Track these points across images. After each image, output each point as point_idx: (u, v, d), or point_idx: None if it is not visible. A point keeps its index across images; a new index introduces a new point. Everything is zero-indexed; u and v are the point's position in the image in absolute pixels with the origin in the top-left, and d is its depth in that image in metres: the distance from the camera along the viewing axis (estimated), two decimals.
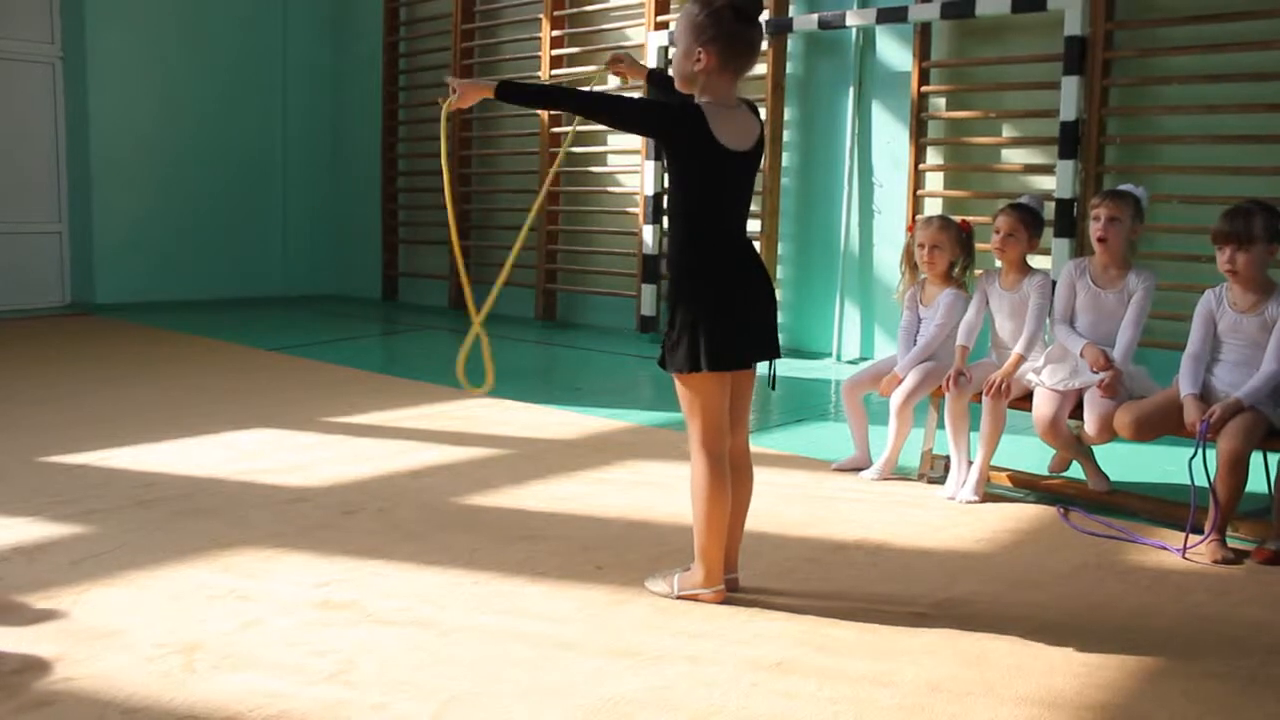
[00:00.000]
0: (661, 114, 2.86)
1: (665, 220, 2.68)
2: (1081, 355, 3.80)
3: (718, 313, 2.79)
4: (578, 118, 3.04)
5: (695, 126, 2.76)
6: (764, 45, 7.38)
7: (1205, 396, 3.52)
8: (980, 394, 3.99)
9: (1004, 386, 3.91)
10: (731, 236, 2.87)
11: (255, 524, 3.52)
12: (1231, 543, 3.43)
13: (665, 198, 2.66)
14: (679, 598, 2.91)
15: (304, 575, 3.05)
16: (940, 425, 4.25)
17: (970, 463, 4.02)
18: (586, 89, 2.98)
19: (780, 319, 7.58)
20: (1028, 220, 4.08)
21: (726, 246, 2.86)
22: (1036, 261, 4.55)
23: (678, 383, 2.87)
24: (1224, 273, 3.52)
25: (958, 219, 4.35)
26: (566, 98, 3.05)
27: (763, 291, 2.91)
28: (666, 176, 2.88)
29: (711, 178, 2.81)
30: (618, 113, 2.95)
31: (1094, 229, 3.86)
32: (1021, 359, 3.96)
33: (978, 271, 4.42)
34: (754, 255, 2.93)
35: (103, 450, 4.43)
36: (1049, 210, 6.09)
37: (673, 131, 2.80)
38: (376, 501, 3.81)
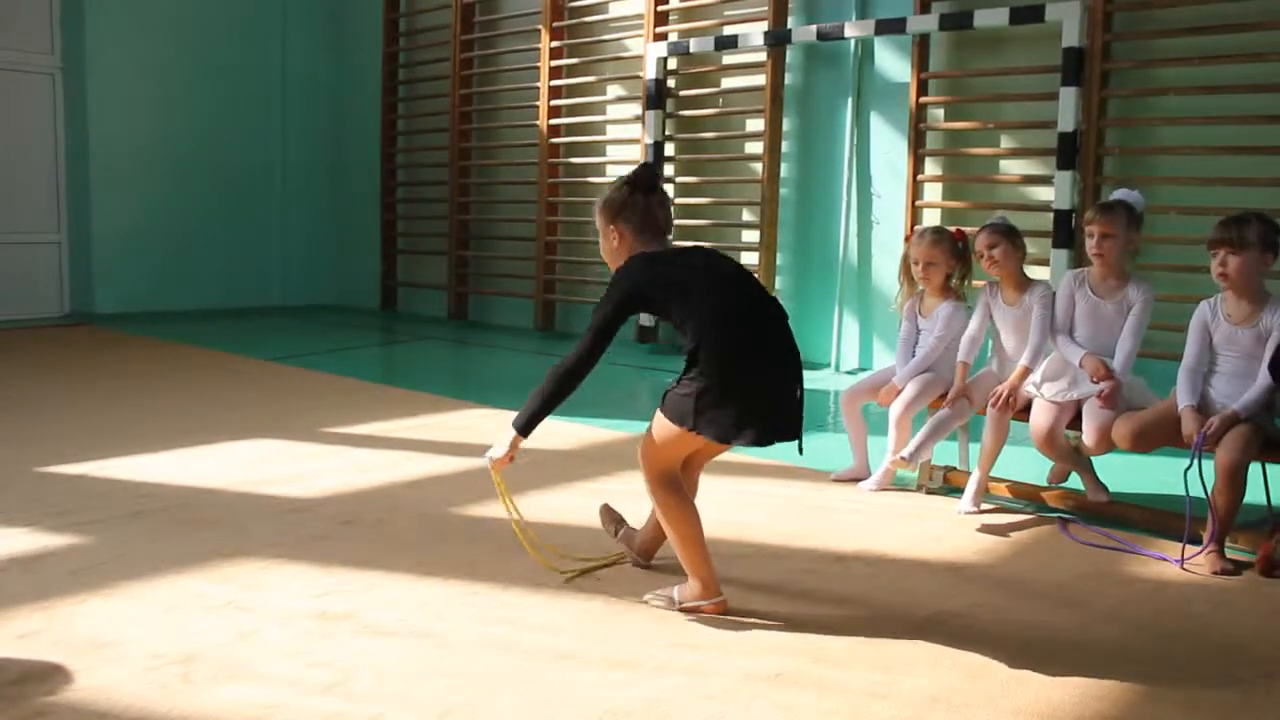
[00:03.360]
0: (619, 309, 3.01)
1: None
2: (1081, 365, 3.80)
3: (727, 399, 2.83)
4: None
5: (644, 272, 2.97)
6: (763, 56, 7.41)
7: (1203, 409, 3.52)
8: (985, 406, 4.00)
9: (1010, 400, 3.91)
10: (733, 332, 2.90)
11: (253, 534, 3.51)
12: (1230, 554, 3.43)
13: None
14: (681, 610, 2.91)
15: (302, 586, 3.04)
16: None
17: (928, 461, 4.02)
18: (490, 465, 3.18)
19: None
20: (1000, 230, 4.07)
21: (738, 343, 2.89)
22: (1035, 272, 4.55)
23: (660, 421, 2.93)
24: (1216, 278, 3.52)
25: (953, 229, 4.34)
26: (562, 386, 3.10)
27: (789, 372, 3.00)
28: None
29: (680, 287, 2.94)
30: (598, 346, 3.03)
31: (1089, 245, 3.87)
32: (1027, 371, 3.96)
33: (978, 282, 4.42)
34: (774, 335, 3.01)
35: (101, 460, 4.42)
36: (1047, 221, 6.13)
37: (642, 296, 3.00)
38: (375, 512, 3.80)
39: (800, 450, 3.07)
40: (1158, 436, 3.57)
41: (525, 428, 3.07)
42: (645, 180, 3.06)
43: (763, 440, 2.87)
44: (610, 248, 3.10)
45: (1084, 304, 3.92)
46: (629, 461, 4.57)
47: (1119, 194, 3.95)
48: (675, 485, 2.98)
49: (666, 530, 2.98)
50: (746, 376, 2.87)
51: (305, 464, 4.46)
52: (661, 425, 2.93)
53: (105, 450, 4.59)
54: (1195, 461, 3.34)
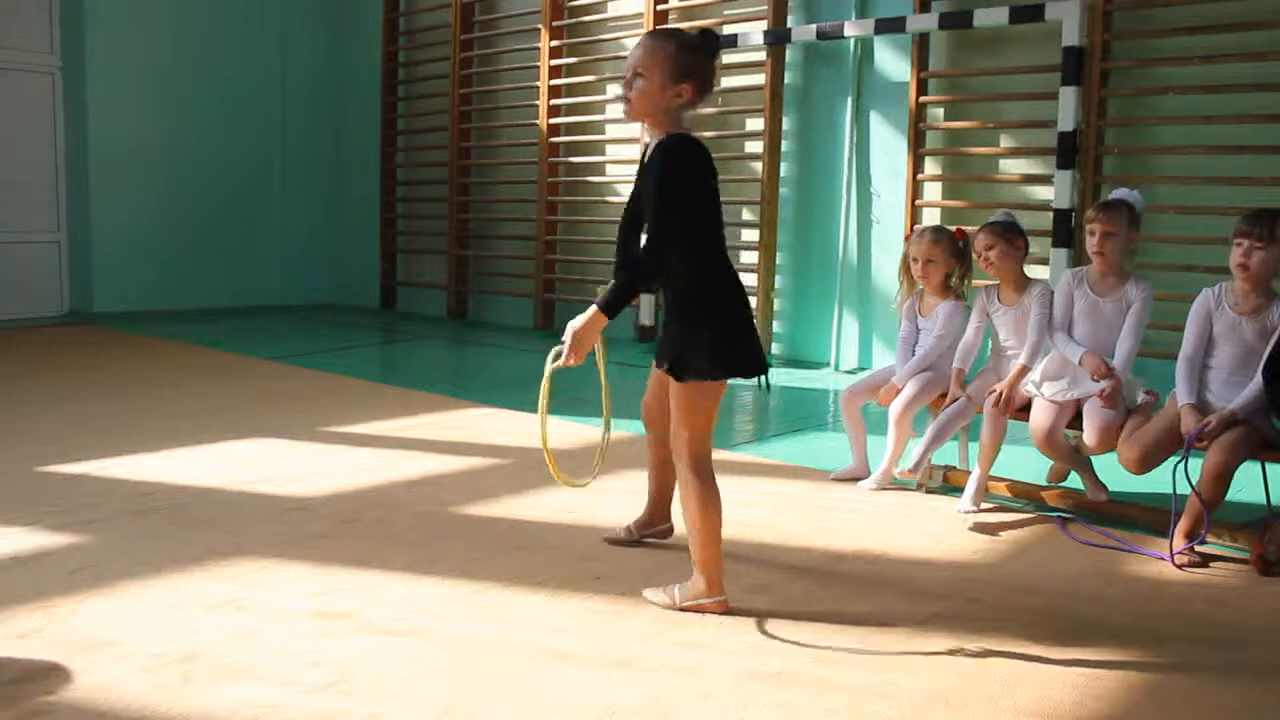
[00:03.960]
0: (697, 184, 2.86)
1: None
2: (1081, 363, 3.80)
3: (736, 323, 2.89)
4: None
5: (707, 161, 2.87)
6: (763, 55, 7.41)
7: (1200, 409, 3.52)
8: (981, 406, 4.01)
9: (1007, 399, 3.91)
10: (724, 254, 2.95)
11: (253, 534, 3.51)
12: (1226, 552, 3.43)
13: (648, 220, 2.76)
14: (682, 609, 2.90)
15: (302, 585, 3.04)
16: None
17: (924, 459, 4.03)
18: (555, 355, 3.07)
19: (778, 328, 7.65)
20: (999, 230, 4.06)
21: (726, 262, 2.94)
22: (1035, 272, 4.55)
23: (684, 391, 2.87)
24: (1235, 268, 3.50)
25: (953, 228, 4.34)
26: (648, 267, 2.95)
27: (748, 304, 2.99)
28: (648, 203, 2.91)
29: (710, 200, 2.90)
30: (674, 220, 2.85)
31: (1090, 243, 3.87)
32: (1025, 369, 3.96)
33: (979, 281, 4.42)
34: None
35: (101, 460, 4.42)
36: (1047, 221, 6.12)
37: (707, 179, 2.88)
38: (374, 511, 3.80)
39: (767, 386, 3.08)
40: (1164, 455, 3.53)
41: (610, 306, 2.88)
42: (716, 43, 2.91)
43: (761, 369, 2.92)
44: (661, 102, 2.84)
45: (1083, 302, 3.92)
46: (630, 461, 4.58)
47: (1119, 193, 3.96)
48: (710, 473, 2.90)
49: (689, 520, 2.89)
50: (743, 303, 2.92)
51: (305, 463, 4.46)
52: (691, 392, 2.85)
53: (104, 449, 4.59)
54: (1185, 458, 3.35)
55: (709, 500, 2.89)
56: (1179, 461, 3.36)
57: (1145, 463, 3.54)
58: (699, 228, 2.87)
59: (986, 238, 4.08)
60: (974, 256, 4.23)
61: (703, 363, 2.83)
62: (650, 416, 3.29)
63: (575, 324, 2.92)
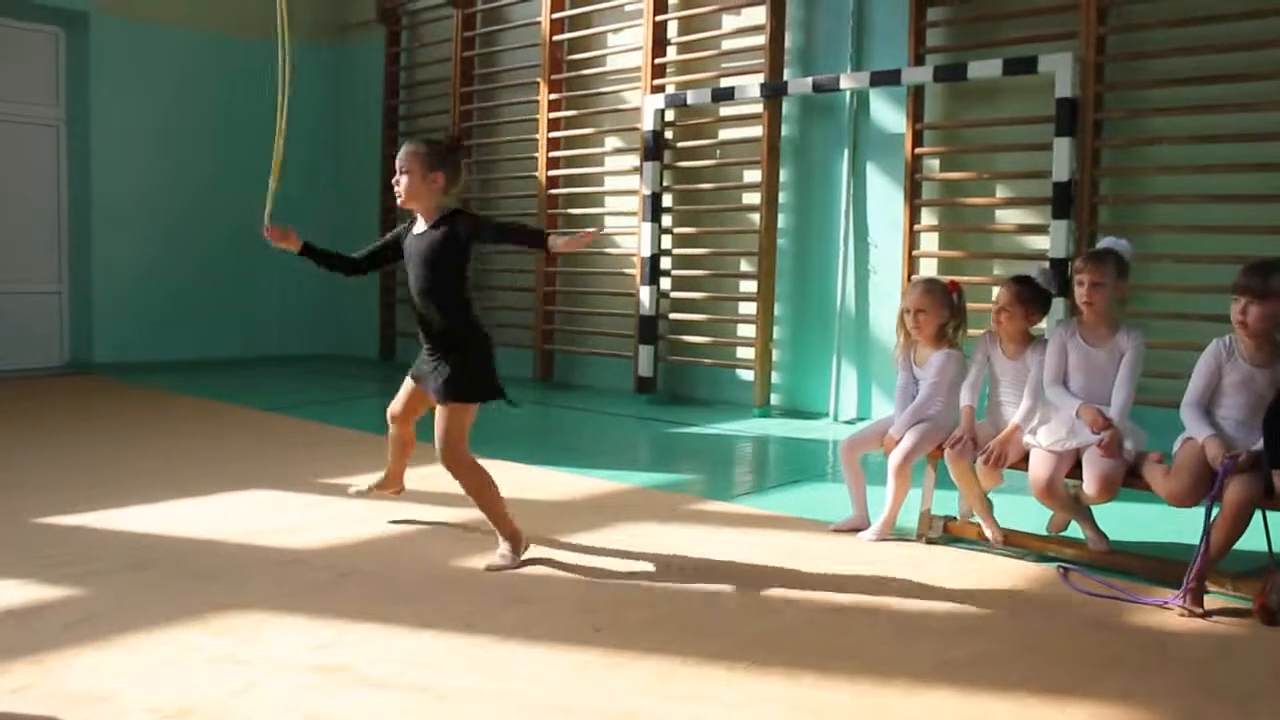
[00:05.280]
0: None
1: (427, 297, 3.92)
2: (1078, 416, 3.81)
3: (490, 359, 3.92)
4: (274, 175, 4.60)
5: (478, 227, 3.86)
6: (759, 107, 7.50)
7: (1223, 441, 3.50)
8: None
9: (998, 455, 3.94)
10: None
11: (251, 586, 3.49)
12: (1230, 601, 3.42)
13: (433, 284, 3.92)
14: (518, 567, 3.72)
15: (300, 638, 3.02)
16: (939, 485, 4.25)
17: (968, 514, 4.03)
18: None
19: (777, 379, 7.67)
20: (1025, 297, 4.07)
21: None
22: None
23: (454, 411, 3.81)
24: (1235, 325, 3.53)
25: (946, 279, 4.38)
26: (345, 267, 4.47)
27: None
28: (438, 269, 3.90)
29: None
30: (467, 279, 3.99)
31: (1079, 294, 3.89)
32: (1018, 429, 3.98)
33: (974, 331, 4.44)
34: None
35: (99, 511, 4.41)
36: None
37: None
38: (373, 563, 3.79)
39: (515, 404, 3.99)
40: (1205, 485, 3.45)
41: (316, 253, 4.48)
42: (459, 145, 4.00)
43: (503, 394, 3.93)
44: (422, 189, 3.85)
45: (1076, 354, 3.93)
46: (629, 512, 4.57)
47: (1106, 242, 3.98)
48: (475, 461, 3.87)
49: (483, 503, 3.87)
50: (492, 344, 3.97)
51: (303, 515, 4.45)
52: (462, 412, 3.83)
53: (102, 501, 4.57)
54: (1219, 490, 3.33)
55: (485, 480, 3.88)
56: (1211, 495, 3.35)
57: (1194, 494, 3.47)
58: (466, 280, 3.92)
59: (1005, 297, 4.10)
60: (966, 308, 4.28)
61: (479, 390, 3.86)
62: (394, 415, 4.28)
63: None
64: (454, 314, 3.92)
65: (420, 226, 3.93)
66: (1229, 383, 3.58)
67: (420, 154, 3.84)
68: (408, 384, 4.19)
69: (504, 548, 3.82)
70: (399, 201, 3.91)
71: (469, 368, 3.85)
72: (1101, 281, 3.83)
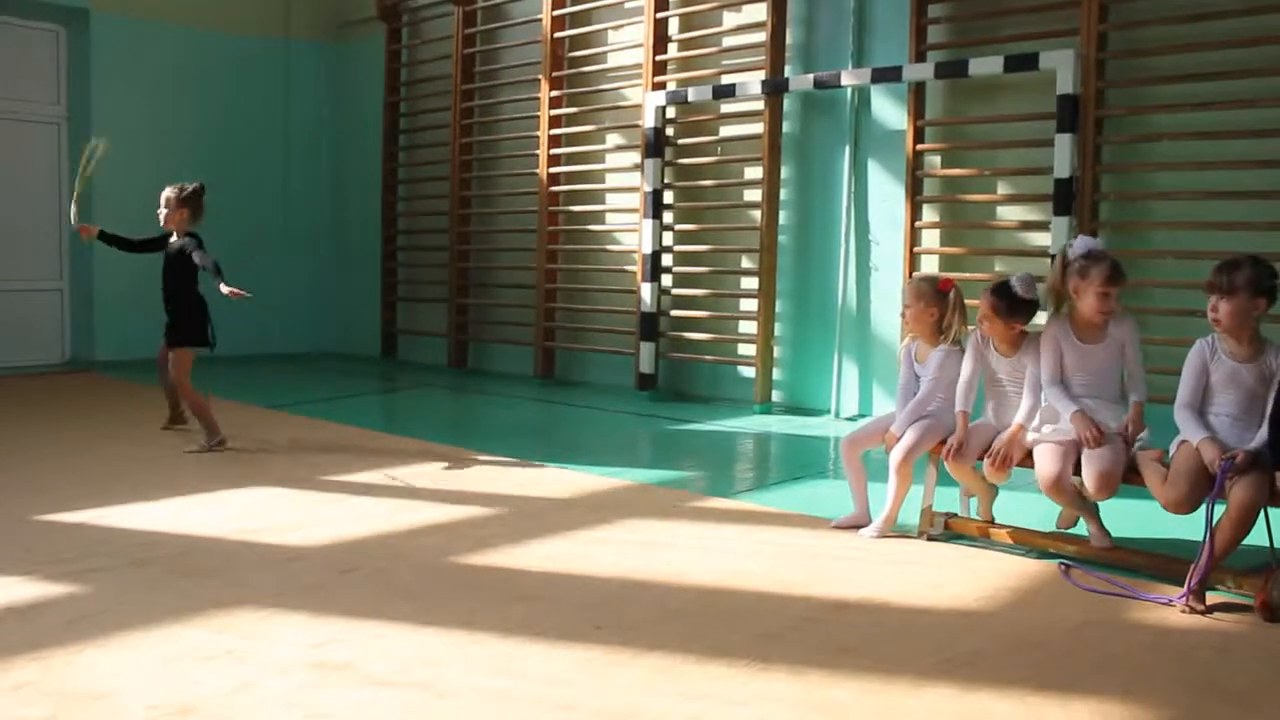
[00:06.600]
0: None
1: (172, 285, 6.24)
2: (1071, 422, 3.80)
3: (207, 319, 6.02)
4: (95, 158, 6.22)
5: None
6: (760, 104, 7.49)
7: (1218, 443, 3.50)
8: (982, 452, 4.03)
9: (1005, 456, 3.94)
10: None
11: (252, 584, 3.49)
12: (1232, 598, 3.41)
13: (177, 277, 6.19)
14: (213, 448, 5.60)
15: (300, 636, 3.02)
16: (940, 482, 4.24)
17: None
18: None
19: (778, 376, 7.66)
20: (1000, 307, 4.04)
21: None
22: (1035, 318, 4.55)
23: (183, 354, 5.97)
24: (1210, 323, 3.55)
25: (941, 277, 4.39)
26: (134, 248, 6.61)
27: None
28: (179, 275, 6.14)
29: None
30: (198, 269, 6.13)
31: (1091, 304, 3.89)
32: (1022, 429, 3.97)
33: (970, 327, 4.43)
34: None
35: (100, 509, 4.41)
36: (1044, 268, 6.14)
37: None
38: (374, 561, 3.78)
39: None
40: (1203, 490, 3.44)
41: (102, 234, 6.28)
42: (200, 189, 6.15)
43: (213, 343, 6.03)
44: (179, 217, 6.07)
45: (1073, 353, 3.92)
46: (630, 509, 4.57)
47: (1079, 243, 3.93)
48: (191, 386, 5.88)
49: (199, 412, 5.81)
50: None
51: (304, 512, 4.45)
52: (187, 355, 5.97)
53: (104, 498, 4.57)
54: (1218, 492, 3.33)
55: (198, 397, 5.81)
56: (1212, 496, 3.34)
57: (1191, 502, 3.46)
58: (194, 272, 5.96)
59: (983, 307, 4.09)
60: (966, 305, 4.28)
61: (196, 339, 5.99)
62: (160, 365, 6.19)
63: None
64: (188, 292, 6.14)
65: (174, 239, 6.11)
66: (1217, 380, 3.58)
67: (173, 197, 6.09)
68: (162, 343, 6.10)
69: (204, 438, 5.76)
70: (161, 224, 6.15)
71: (186, 325, 6.05)
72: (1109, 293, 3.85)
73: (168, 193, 6.01)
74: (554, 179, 8.98)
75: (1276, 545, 3.32)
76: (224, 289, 5.64)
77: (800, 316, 7.63)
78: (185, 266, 5.97)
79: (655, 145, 8.00)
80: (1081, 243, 3.93)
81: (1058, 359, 3.94)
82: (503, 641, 3.01)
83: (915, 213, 6.91)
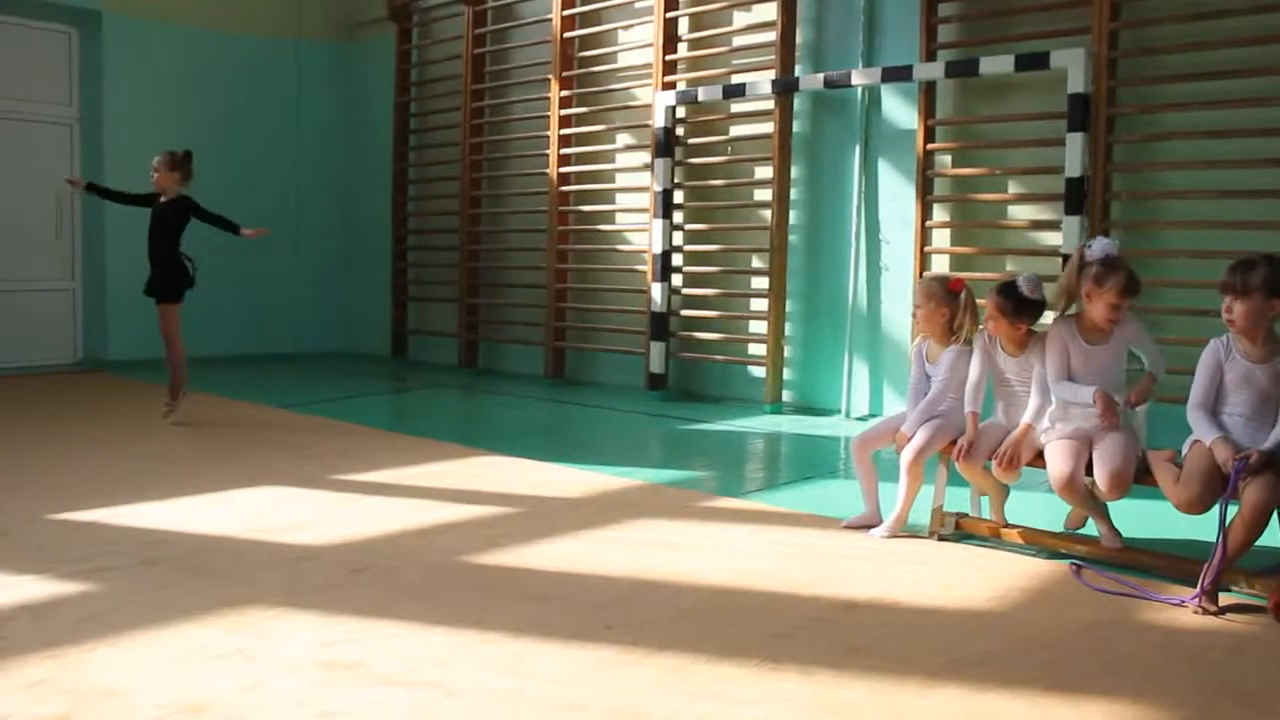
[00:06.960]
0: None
1: (153, 248, 6.55)
2: (1094, 401, 3.79)
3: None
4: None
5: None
6: (771, 104, 7.48)
7: (1231, 443, 3.48)
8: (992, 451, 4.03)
9: (1012, 457, 3.93)
10: None
11: (262, 583, 3.50)
12: (1244, 599, 3.40)
13: (164, 235, 6.53)
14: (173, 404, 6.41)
15: (311, 635, 3.03)
16: (951, 482, 4.23)
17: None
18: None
19: (789, 375, 7.66)
20: (1006, 307, 4.04)
21: None
22: (1045, 318, 4.54)
23: (165, 310, 6.49)
24: (1225, 322, 3.53)
25: (952, 277, 4.38)
26: (125, 201, 7.03)
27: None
28: (167, 233, 6.58)
29: None
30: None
31: (1101, 313, 3.88)
32: (1030, 428, 3.96)
33: (981, 328, 4.42)
34: None
35: (111, 508, 4.43)
36: (1055, 267, 6.12)
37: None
38: (384, 560, 3.79)
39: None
40: (1215, 491, 3.42)
41: (91, 185, 6.98)
42: (189, 155, 6.70)
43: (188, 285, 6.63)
44: (171, 179, 6.56)
45: (1079, 354, 3.91)
46: (640, 509, 4.57)
47: (1098, 245, 3.89)
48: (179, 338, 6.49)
49: (173, 363, 6.49)
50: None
51: (315, 511, 4.46)
52: (170, 310, 6.46)
53: (115, 497, 4.59)
54: (1231, 493, 3.31)
55: (183, 353, 6.48)
56: (1225, 496, 3.33)
57: (1204, 502, 3.44)
58: (180, 233, 6.55)
59: (989, 306, 4.08)
60: (976, 305, 4.27)
61: (176, 294, 6.48)
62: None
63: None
64: (167, 253, 6.54)
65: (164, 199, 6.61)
66: (1231, 380, 3.56)
67: (166, 160, 6.59)
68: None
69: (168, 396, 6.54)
70: (154, 185, 6.63)
71: (167, 282, 6.51)
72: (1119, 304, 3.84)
73: (159, 158, 6.61)
74: (564, 179, 8.99)
75: None
76: (245, 232, 6.62)
77: (811, 316, 7.62)
78: (171, 225, 6.56)
79: (665, 145, 8.00)
80: (1100, 245, 3.88)
81: (1064, 359, 3.92)
82: (513, 641, 3.02)
83: (926, 212, 6.90)
